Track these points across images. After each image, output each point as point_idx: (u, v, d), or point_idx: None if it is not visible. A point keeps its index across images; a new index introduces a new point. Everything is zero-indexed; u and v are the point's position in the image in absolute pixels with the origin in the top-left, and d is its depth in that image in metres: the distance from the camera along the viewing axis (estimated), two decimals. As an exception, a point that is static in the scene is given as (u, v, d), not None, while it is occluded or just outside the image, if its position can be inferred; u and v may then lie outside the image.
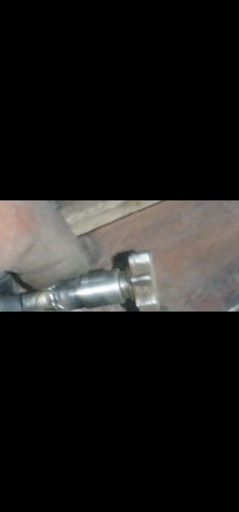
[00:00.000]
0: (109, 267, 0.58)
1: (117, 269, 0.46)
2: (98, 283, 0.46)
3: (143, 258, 0.44)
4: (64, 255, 0.43)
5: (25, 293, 0.48)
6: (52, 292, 0.46)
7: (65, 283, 0.46)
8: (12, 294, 0.48)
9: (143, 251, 0.45)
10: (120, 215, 0.59)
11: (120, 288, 0.45)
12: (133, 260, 0.45)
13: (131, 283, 0.44)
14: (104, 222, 0.60)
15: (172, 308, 0.54)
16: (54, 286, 0.47)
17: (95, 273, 0.46)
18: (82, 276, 0.46)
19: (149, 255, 0.44)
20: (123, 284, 0.45)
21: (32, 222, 0.38)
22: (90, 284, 0.46)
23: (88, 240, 0.60)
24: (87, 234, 0.60)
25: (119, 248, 0.60)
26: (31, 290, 0.48)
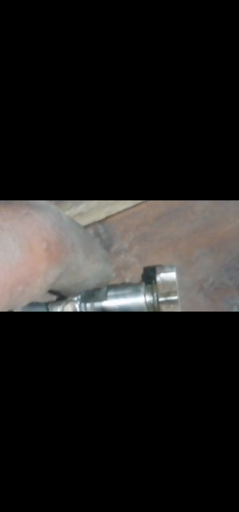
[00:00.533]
0: (121, 255, 0.59)
1: (143, 283, 0.47)
2: (124, 296, 0.47)
3: (170, 277, 0.45)
4: (91, 274, 0.44)
5: (51, 302, 0.48)
6: (78, 302, 0.47)
7: (92, 294, 0.47)
8: (38, 302, 0.49)
9: (170, 267, 0.46)
10: (132, 203, 0.59)
11: (145, 302, 0.46)
12: (160, 278, 0.45)
13: (158, 301, 0.45)
14: (116, 210, 0.60)
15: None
16: (80, 297, 0.47)
17: (121, 286, 0.47)
18: (108, 288, 0.47)
19: (175, 273, 0.45)
20: (148, 298, 0.46)
21: (62, 253, 0.38)
22: (116, 296, 0.47)
23: (100, 228, 0.60)
24: (99, 222, 0.60)
25: (131, 236, 0.60)
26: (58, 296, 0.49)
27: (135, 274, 0.59)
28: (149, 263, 0.59)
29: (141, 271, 0.59)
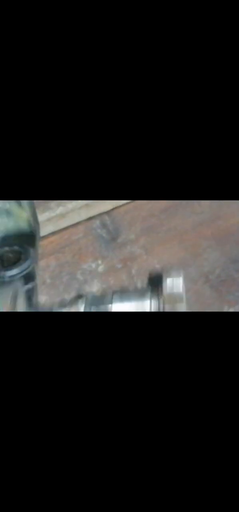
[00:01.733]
0: (128, 246, 0.59)
1: (149, 288, 0.47)
2: (129, 300, 0.48)
3: (177, 285, 0.45)
4: None
5: (55, 305, 0.49)
6: (83, 305, 0.48)
7: (97, 297, 0.48)
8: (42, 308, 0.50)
9: (176, 274, 0.46)
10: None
11: (150, 307, 0.47)
12: (167, 286, 0.46)
13: (164, 308, 0.46)
14: (123, 202, 0.60)
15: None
16: (85, 300, 0.48)
17: (127, 291, 0.48)
18: (114, 292, 0.48)
19: (182, 280, 0.46)
20: (154, 304, 0.47)
21: None
22: (122, 301, 0.48)
23: (107, 219, 0.60)
24: (106, 213, 0.60)
25: (138, 227, 0.60)
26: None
27: (141, 265, 0.59)
28: (155, 254, 0.60)
29: (147, 262, 0.59)
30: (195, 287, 0.59)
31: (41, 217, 0.59)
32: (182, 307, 0.44)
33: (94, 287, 0.58)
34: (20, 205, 0.50)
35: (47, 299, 0.57)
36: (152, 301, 0.46)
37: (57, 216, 0.59)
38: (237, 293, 0.59)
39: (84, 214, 0.60)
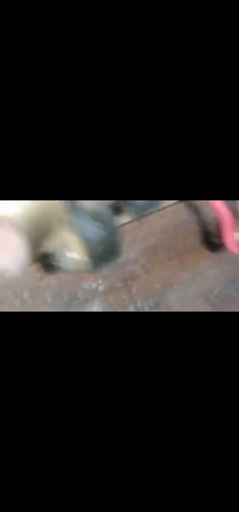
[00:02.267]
0: (128, 266, 0.60)
1: None
2: None
3: None
4: None
5: None
6: None
7: None
8: None
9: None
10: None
11: None
12: None
13: None
14: (123, 221, 0.59)
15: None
16: None
17: None
18: None
19: None
20: None
21: None
22: None
23: (107, 239, 0.60)
24: (106, 233, 0.60)
25: (138, 247, 0.60)
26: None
27: (141, 284, 0.60)
28: (155, 274, 0.60)
29: (147, 281, 0.60)
30: (194, 306, 0.60)
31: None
32: None
33: (95, 307, 0.59)
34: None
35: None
36: None
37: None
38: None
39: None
